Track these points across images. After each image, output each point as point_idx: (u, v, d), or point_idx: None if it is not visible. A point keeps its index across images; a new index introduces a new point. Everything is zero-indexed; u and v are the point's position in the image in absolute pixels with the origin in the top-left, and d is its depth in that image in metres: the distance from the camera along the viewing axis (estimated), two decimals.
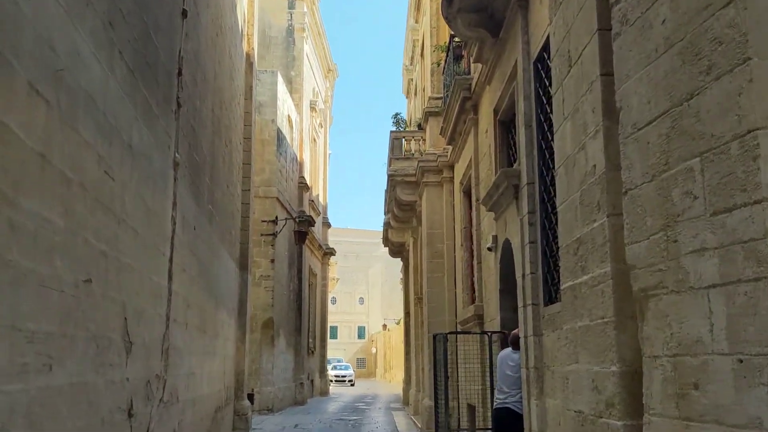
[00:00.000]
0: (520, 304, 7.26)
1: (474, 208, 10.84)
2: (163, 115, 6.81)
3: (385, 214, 24.18)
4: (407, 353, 24.01)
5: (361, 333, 72.11)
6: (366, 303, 73.06)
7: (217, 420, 11.64)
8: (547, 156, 6.70)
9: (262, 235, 19.94)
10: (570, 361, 5.14)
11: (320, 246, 29.95)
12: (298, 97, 25.71)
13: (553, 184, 6.51)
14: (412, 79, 23.10)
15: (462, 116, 11.40)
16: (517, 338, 7.41)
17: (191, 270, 8.70)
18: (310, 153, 28.30)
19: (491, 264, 9.45)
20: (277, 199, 20.66)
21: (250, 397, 18.01)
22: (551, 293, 6.59)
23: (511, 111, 8.48)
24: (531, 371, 6.87)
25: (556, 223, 6.44)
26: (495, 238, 8.66)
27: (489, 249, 8.80)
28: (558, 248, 6.44)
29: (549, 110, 6.71)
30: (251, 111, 15.78)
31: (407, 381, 23.99)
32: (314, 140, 29.83)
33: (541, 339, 6.75)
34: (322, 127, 31.60)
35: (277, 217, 20.39)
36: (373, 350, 67.75)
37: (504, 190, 7.68)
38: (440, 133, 13.59)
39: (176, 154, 7.46)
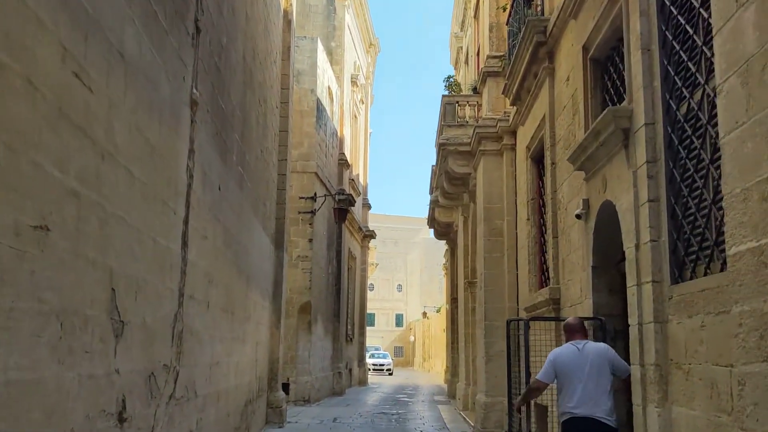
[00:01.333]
0: (630, 282, 5.60)
1: (549, 174, 9.16)
2: (175, 33, 5.31)
3: (430, 193, 22.56)
4: (453, 343, 22.43)
5: (398, 321, 70.74)
6: (404, 290, 71.62)
7: (248, 414, 10.24)
8: (679, 84, 5.03)
9: (299, 212, 18.52)
10: (749, 359, 3.50)
11: (360, 228, 28.47)
12: (339, 69, 24.17)
13: (691, 119, 4.84)
14: (461, 47, 21.36)
15: (533, 67, 9.71)
16: (578, 325, 5.78)
17: (215, 239, 7.24)
18: (350, 130, 26.77)
19: (577, 236, 7.79)
20: (316, 174, 19.20)
21: (286, 387, 16.64)
22: (683, 267, 4.93)
23: (610, 43, 6.79)
24: (650, 369, 5.23)
25: (697, 172, 4.77)
26: (586, 203, 7.00)
27: (577, 216, 7.14)
28: (696, 206, 4.78)
29: (681, 22, 5.03)
30: (289, 74, 14.29)
31: (453, 373, 22.41)
32: (355, 117, 28.30)
33: (664, 327, 5.10)
34: (363, 103, 30.03)
35: (315, 194, 18.92)
36: (411, 339, 66.33)
37: (607, 137, 6.01)
38: (502, 92, 11.90)
39: (194, 90, 5.96)
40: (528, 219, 10.84)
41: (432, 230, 23.86)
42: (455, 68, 23.10)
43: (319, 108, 19.68)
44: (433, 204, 20.36)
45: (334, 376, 22.24)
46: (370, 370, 36.79)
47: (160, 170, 5.00)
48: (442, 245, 64.45)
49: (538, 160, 10.61)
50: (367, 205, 31.22)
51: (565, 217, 8.46)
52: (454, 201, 17.60)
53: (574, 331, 5.78)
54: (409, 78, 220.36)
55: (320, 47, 20.08)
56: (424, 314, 51.97)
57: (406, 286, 71.90)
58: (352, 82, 26.51)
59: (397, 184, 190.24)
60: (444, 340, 38.56)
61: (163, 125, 5.05)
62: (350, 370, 26.38)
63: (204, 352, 6.87)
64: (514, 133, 12.39)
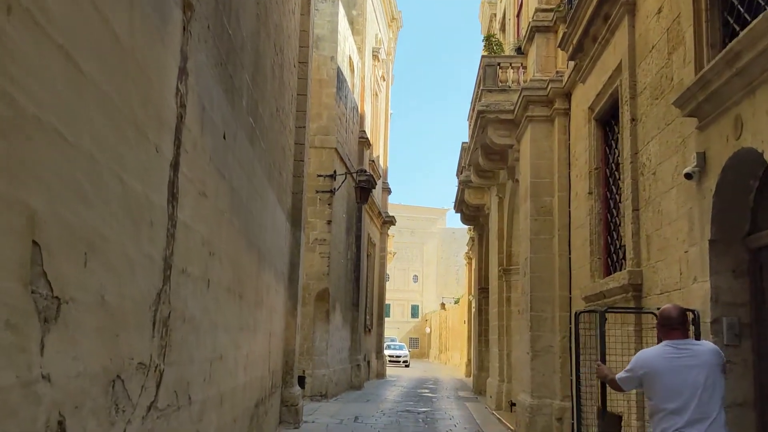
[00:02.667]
0: None
1: (627, 134, 7.50)
2: None
3: (458, 174, 20.95)
4: (480, 335, 20.81)
5: (414, 312, 69.19)
6: (420, 281, 70.03)
7: (259, 416, 8.72)
8: None
9: (317, 191, 16.94)
10: None
11: (380, 213, 26.87)
12: (360, 40, 22.53)
13: None
14: (495, 14, 19.63)
15: (604, 7, 8.05)
16: (680, 317, 4.20)
17: (218, 200, 5.68)
18: (371, 107, 25.14)
19: (674, 205, 6.16)
20: (336, 150, 17.59)
21: (301, 381, 15.14)
22: None
23: None
24: None
25: None
26: (701, 157, 5.35)
27: (687, 176, 5.50)
28: None
29: None
30: (309, 31, 12.70)
31: (479, 367, 20.83)
32: (376, 94, 26.65)
33: None
34: (384, 80, 28.38)
35: (335, 172, 17.34)
36: (427, 330, 64.80)
37: (753, 59, 4.37)
38: (558, 46, 10.24)
39: None
40: (590, 193, 9.20)
41: (459, 214, 22.19)
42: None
43: (340, 78, 18.08)
44: (463, 184, 18.74)
45: (353, 369, 20.74)
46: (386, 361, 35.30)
47: (132, 80, 3.43)
48: (460, 236, 62.95)
49: (605, 121, 8.96)
50: (387, 190, 29.61)
51: (653, 184, 6.83)
52: (488, 180, 15.96)
53: (673, 326, 4.18)
54: (430, 62, 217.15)
55: (341, 12, 18.46)
56: (443, 305, 50.41)
57: (423, 277, 70.33)
58: (373, 56, 24.87)
59: (414, 174, 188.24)
60: (464, 332, 36.98)
61: (137, 18, 3.47)
62: (368, 362, 24.88)
63: (202, 345, 5.33)
64: (568, 96, 10.75)
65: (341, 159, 18.23)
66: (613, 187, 8.67)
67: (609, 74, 8.23)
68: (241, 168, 6.72)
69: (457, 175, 21.33)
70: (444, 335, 52.75)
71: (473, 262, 28.71)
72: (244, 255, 7.10)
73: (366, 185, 17.29)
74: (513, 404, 14.45)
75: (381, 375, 27.89)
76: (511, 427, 12.03)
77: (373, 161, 24.31)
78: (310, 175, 15.44)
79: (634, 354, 7.08)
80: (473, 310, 28.34)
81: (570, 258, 10.47)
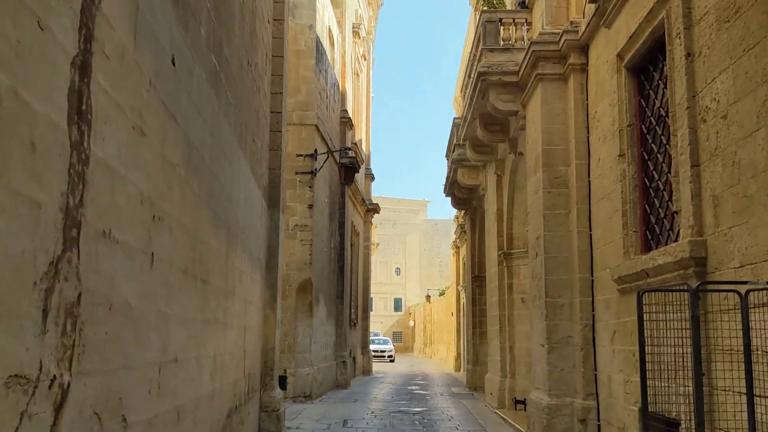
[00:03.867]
0: None
1: (683, 74, 6.10)
2: None
3: (449, 154, 19.54)
4: (473, 327, 19.46)
5: (397, 305, 67.82)
6: (403, 273, 68.66)
7: (233, 427, 7.23)
8: None
9: (297, 173, 15.42)
10: None
11: (363, 200, 25.37)
12: (340, 12, 20.99)
13: None
14: None
15: None
16: None
17: (166, 146, 4.17)
18: (352, 87, 23.60)
19: (763, 152, 4.77)
20: (316, 127, 16.05)
21: (283, 381, 13.68)
22: None
23: None
24: None
25: None
26: None
27: None
28: None
29: None
30: None
31: (474, 361, 19.47)
32: (357, 74, 25.11)
33: None
34: (365, 60, 26.83)
35: (316, 151, 15.81)
36: (411, 323, 63.49)
37: None
38: None
39: None
40: (621, 155, 7.82)
41: (450, 198, 20.77)
42: (474, 8, 19.93)
43: (319, 49, 16.53)
44: (456, 163, 17.30)
45: (338, 366, 19.26)
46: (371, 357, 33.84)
47: None
48: (443, 227, 61.53)
49: (640, 68, 7.57)
50: (370, 176, 28.06)
51: (722, 130, 5.44)
52: (485, 156, 14.55)
53: None
54: (410, 47, 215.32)
55: None
56: (428, 298, 49.08)
57: (405, 270, 68.99)
58: (354, 32, 23.32)
59: (395, 165, 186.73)
60: (450, 325, 35.66)
61: None
62: (354, 358, 23.40)
63: (146, 343, 3.84)
64: (585, 49, 9.36)
65: (322, 137, 16.71)
66: (652, 145, 7.29)
67: (648, 8, 6.83)
68: (200, 116, 5.21)
69: (447, 155, 19.93)
70: (429, 328, 51.44)
71: (462, 250, 27.36)
72: (208, 229, 5.60)
73: (350, 165, 15.78)
74: (518, 402, 13.12)
75: (367, 371, 26.45)
76: (521, 429, 10.64)
77: (355, 144, 22.79)
78: (288, 155, 13.97)
79: (702, 343, 5.76)
80: (463, 301, 27.00)
81: (591, 235, 9.10)
